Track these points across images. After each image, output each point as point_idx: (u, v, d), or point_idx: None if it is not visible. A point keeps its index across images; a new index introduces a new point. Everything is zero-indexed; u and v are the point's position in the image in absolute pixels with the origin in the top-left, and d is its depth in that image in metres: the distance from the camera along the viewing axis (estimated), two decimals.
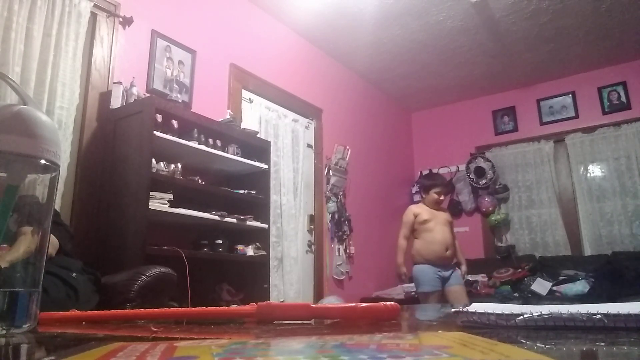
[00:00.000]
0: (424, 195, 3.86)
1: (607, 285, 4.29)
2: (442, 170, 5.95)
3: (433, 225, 3.68)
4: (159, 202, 2.51)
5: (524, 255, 5.17)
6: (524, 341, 0.35)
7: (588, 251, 5.01)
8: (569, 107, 5.35)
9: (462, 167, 5.77)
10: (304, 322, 0.53)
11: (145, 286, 1.89)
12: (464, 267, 3.76)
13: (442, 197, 3.79)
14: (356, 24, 4.29)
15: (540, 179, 5.39)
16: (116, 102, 2.71)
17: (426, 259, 3.63)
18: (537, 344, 0.34)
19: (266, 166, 3.20)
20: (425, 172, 6.07)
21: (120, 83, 2.76)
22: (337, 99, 4.87)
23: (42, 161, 0.47)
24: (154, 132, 2.52)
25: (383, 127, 5.64)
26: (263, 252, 3.07)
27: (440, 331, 0.33)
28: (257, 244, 3.07)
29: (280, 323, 0.53)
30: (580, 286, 4.36)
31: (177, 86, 3.17)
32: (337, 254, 4.52)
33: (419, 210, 3.80)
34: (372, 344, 0.26)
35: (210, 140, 2.90)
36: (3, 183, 0.46)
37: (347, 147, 4.82)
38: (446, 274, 3.63)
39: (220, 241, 2.90)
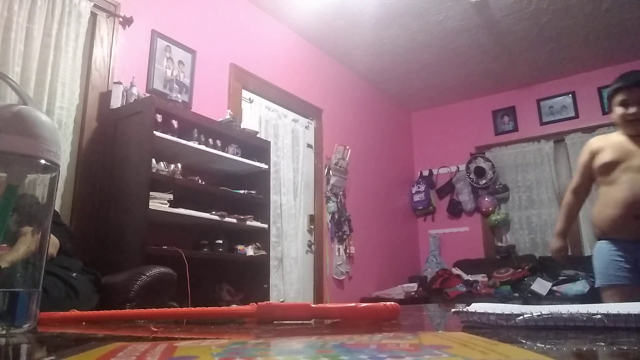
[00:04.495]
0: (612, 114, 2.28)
1: None
2: (442, 170, 5.97)
3: (618, 173, 2.15)
4: (159, 202, 2.52)
5: (524, 255, 5.16)
6: (524, 341, 0.35)
7: (588, 251, 5.00)
8: (569, 107, 5.35)
9: (462, 167, 5.77)
10: (304, 322, 0.53)
11: (145, 286, 1.89)
12: None
13: (632, 109, 2.13)
14: (356, 24, 4.29)
15: (540, 179, 5.39)
16: (116, 102, 2.72)
17: (603, 231, 2.22)
18: (537, 344, 0.34)
19: (266, 166, 3.21)
20: (426, 172, 6.08)
21: (120, 83, 2.76)
22: (337, 99, 4.87)
23: (42, 161, 0.47)
24: (154, 132, 2.52)
25: (383, 127, 5.64)
26: (263, 252, 3.07)
27: (440, 331, 0.33)
28: (257, 244, 3.07)
29: (280, 323, 0.53)
30: (580, 286, 4.36)
31: (177, 86, 3.17)
32: (337, 254, 4.52)
33: (603, 143, 2.27)
34: (372, 344, 0.26)
35: (210, 140, 2.91)
36: (3, 183, 0.46)
37: (347, 147, 4.82)
38: None
39: (220, 241, 2.90)
